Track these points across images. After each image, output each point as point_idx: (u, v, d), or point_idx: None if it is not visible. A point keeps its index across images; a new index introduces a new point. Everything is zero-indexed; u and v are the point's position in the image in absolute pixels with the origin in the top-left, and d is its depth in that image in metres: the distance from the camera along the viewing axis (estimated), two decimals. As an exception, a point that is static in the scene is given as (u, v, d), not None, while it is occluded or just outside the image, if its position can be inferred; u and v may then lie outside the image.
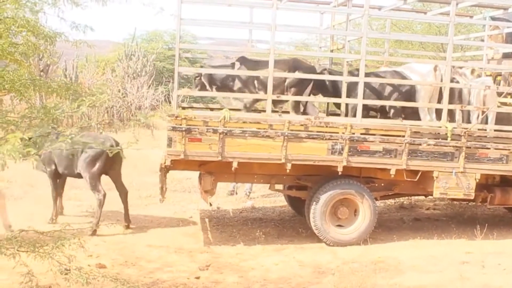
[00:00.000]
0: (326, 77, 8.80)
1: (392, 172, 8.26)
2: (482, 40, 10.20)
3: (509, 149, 8.46)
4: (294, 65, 8.76)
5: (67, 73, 20.65)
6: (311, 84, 8.76)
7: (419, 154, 8.27)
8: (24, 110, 4.61)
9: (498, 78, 9.63)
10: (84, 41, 5.13)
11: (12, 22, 4.46)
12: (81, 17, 4.65)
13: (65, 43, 5.09)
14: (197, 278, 6.83)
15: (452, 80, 8.60)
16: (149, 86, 21.53)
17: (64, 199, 9.58)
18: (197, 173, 9.03)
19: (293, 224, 9.62)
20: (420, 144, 8.24)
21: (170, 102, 8.93)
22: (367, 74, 8.62)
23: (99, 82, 21.52)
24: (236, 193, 11.62)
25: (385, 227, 9.42)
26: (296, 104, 8.88)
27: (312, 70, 8.97)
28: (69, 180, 9.50)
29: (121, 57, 23.11)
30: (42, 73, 19.13)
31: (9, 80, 4.65)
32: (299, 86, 8.69)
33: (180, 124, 7.73)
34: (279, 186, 9.22)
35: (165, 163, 7.97)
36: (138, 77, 22.08)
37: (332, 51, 10.23)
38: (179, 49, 8.07)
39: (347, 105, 8.75)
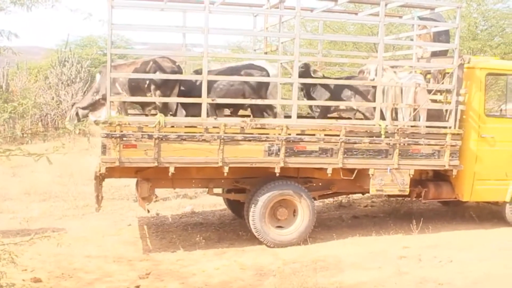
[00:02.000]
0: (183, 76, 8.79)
1: (329, 171, 8.35)
2: (412, 40, 10.44)
3: (440, 145, 8.70)
4: (155, 66, 8.49)
5: (-3, 81, 20.03)
6: (178, 85, 8.57)
7: (355, 153, 8.40)
8: None
9: (428, 76, 9.88)
10: (9, 47, 4.95)
11: None
12: (7, 23, 4.49)
13: (-9, 50, 4.91)
14: (137, 287, 6.71)
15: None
16: (84, 92, 21.09)
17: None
18: (135, 180, 8.89)
19: (233, 227, 9.59)
20: (355, 143, 8.36)
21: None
22: (224, 70, 8.78)
23: (26, 89, 20.96)
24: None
25: (324, 226, 9.53)
26: (164, 106, 8.57)
27: (176, 70, 8.68)
28: (1, 191, 9.14)
29: (54, 64, 22.60)
30: (-30, 82, 18.51)
31: None
32: (164, 87, 8.44)
33: (114, 131, 7.59)
34: (218, 190, 9.18)
35: (100, 171, 7.81)
36: (72, 84, 21.63)
37: (266, 53, 10.26)
38: (111, 55, 7.92)
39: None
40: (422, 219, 9.11)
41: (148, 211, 8.69)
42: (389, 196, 10.10)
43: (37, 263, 7.36)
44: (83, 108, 8.73)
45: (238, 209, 9.53)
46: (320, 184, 8.94)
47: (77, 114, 8.70)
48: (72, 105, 9.15)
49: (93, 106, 8.59)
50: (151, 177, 8.23)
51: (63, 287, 6.60)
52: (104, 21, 6.92)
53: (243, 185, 8.69)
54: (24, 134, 10.06)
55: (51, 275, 7.01)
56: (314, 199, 8.83)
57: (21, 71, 22.45)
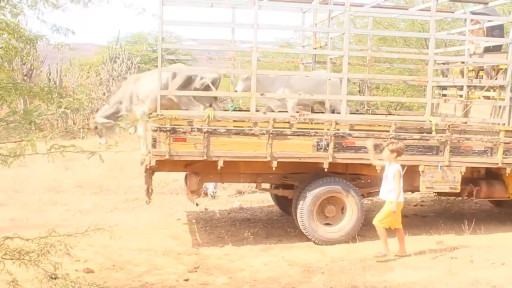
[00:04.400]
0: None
1: (378, 168, 8.24)
2: (464, 35, 10.23)
3: (493, 142, 8.49)
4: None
5: (51, 77, 20.58)
6: None
7: (405, 149, 8.26)
8: (4, 114, 4.53)
9: (481, 72, 9.66)
10: (66, 44, 5.04)
11: (-8, 25, 4.36)
12: (63, 20, 4.58)
13: (48, 47, 5.01)
14: (186, 280, 6.79)
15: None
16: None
17: (50, 203, 9.49)
18: (183, 175, 8.98)
19: (281, 224, 9.60)
20: (405, 139, 8.23)
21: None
22: None
23: (81, 85, 21.44)
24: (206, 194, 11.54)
25: (372, 224, 9.39)
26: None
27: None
28: (55, 183, 9.33)
29: (106, 60, 23.01)
30: (25, 78, 19.03)
31: (-10, 85, 4.55)
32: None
33: (164, 124, 7.68)
34: (266, 185, 9.19)
35: (150, 164, 7.92)
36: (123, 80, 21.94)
37: (315, 49, 10.21)
38: (162, 50, 8.02)
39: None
40: (474, 219, 8.87)
41: (197, 205, 8.76)
42: (439, 194, 9.92)
43: (89, 254, 7.52)
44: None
45: (286, 205, 9.52)
46: (369, 181, 8.83)
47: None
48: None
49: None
50: (200, 171, 8.29)
51: (114, 279, 6.72)
52: (157, 16, 7.01)
53: (291, 181, 8.66)
54: (81, 129, 10.28)
55: (102, 266, 7.16)
56: (363, 196, 8.74)
57: (73, 67, 22.97)
